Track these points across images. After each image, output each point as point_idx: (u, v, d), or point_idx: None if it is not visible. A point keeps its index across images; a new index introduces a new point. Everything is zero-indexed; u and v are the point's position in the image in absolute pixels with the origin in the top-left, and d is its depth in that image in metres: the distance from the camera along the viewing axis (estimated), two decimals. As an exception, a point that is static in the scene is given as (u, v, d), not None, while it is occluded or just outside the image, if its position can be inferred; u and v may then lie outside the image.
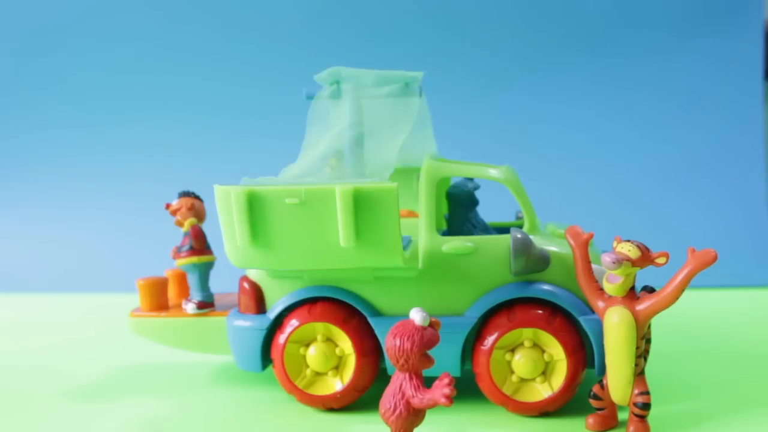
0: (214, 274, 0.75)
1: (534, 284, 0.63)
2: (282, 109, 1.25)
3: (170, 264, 0.80)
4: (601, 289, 0.59)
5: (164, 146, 1.44)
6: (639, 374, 0.58)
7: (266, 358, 0.68)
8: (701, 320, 0.98)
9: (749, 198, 1.33)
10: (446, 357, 0.63)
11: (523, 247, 0.62)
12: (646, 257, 0.56)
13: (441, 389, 0.49)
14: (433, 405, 0.50)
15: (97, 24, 1.45)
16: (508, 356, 0.63)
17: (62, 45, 1.46)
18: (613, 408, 0.61)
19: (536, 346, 0.63)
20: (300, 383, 0.66)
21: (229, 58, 1.43)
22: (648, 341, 0.61)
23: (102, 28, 1.45)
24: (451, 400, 0.49)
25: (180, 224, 0.74)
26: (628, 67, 1.40)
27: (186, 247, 0.73)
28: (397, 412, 0.51)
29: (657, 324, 0.61)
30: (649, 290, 0.59)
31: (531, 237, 0.63)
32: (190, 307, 0.72)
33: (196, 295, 0.73)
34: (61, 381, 0.78)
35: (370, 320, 0.65)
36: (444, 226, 0.75)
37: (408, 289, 0.64)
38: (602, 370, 0.61)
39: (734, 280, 1.18)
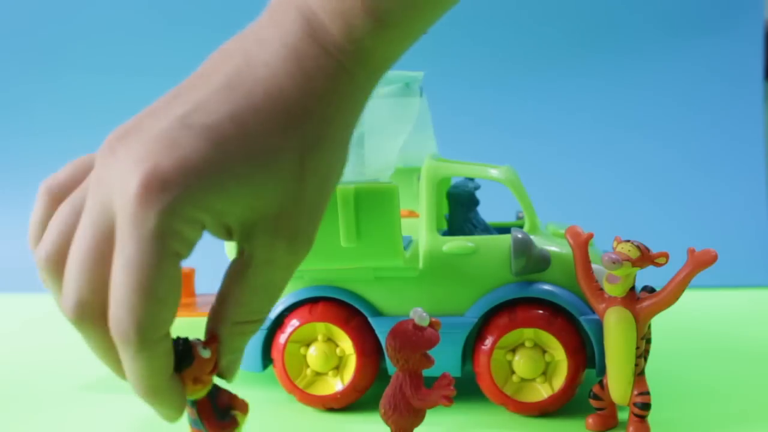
0: (214, 274, 0.75)
1: (535, 284, 0.63)
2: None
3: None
4: (601, 290, 0.59)
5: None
6: (639, 374, 0.58)
7: (266, 358, 0.68)
8: (701, 320, 0.98)
9: (749, 198, 1.33)
10: (446, 357, 0.63)
11: (524, 247, 0.62)
12: (646, 257, 0.56)
13: (441, 389, 0.49)
14: (433, 405, 0.50)
15: (96, 25, 1.45)
16: (508, 356, 0.63)
17: (60, 46, 1.46)
18: (613, 408, 0.61)
19: (537, 346, 0.63)
20: (300, 383, 0.66)
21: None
22: (648, 341, 0.61)
23: (100, 29, 1.45)
24: (451, 400, 0.49)
25: None
26: (628, 67, 1.40)
27: None
28: (397, 412, 0.51)
29: (657, 324, 0.61)
30: (649, 290, 0.59)
31: (532, 237, 0.63)
32: None
33: None
34: (61, 380, 0.78)
35: (370, 320, 0.65)
36: (444, 226, 0.75)
37: (409, 289, 0.64)
38: (602, 370, 0.61)
39: (734, 280, 1.18)
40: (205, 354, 0.43)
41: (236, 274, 0.41)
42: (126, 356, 0.38)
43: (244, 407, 0.47)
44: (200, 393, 0.44)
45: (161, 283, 0.36)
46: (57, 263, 0.40)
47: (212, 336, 0.43)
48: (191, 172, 0.36)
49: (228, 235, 0.40)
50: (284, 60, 0.39)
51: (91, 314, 0.39)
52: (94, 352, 0.41)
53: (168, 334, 0.40)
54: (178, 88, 0.41)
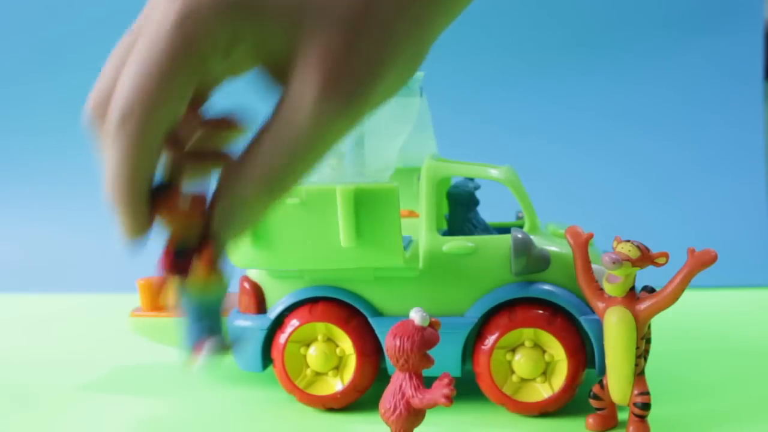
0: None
1: (534, 284, 0.63)
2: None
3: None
4: (601, 290, 0.59)
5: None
6: (639, 374, 0.58)
7: (267, 358, 0.68)
8: (701, 320, 0.98)
9: (749, 198, 1.33)
10: (446, 357, 0.63)
11: (524, 247, 0.62)
12: (646, 257, 0.56)
13: (441, 389, 0.49)
14: (433, 405, 0.50)
15: (97, 24, 1.45)
16: (508, 356, 0.63)
17: (60, 45, 1.46)
18: (613, 408, 0.61)
19: (537, 346, 0.63)
20: (300, 383, 0.66)
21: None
22: (648, 341, 0.61)
23: (101, 29, 1.45)
24: (451, 400, 0.49)
25: None
26: (628, 66, 1.40)
27: None
28: (397, 412, 0.51)
29: (657, 324, 0.61)
30: (649, 290, 0.59)
31: (531, 237, 0.63)
32: None
33: None
34: (61, 381, 0.78)
35: (370, 320, 0.65)
36: (444, 226, 0.75)
37: (408, 289, 0.64)
38: (602, 370, 0.61)
39: (734, 280, 1.18)
40: (186, 192, 0.40)
41: (263, 125, 0.38)
42: (108, 140, 0.36)
43: (207, 261, 0.42)
44: (172, 227, 0.41)
45: (168, 74, 0.35)
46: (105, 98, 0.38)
47: (216, 193, 0.40)
48: None
49: (269, 62, 0.38)
50: None
51: (102, 105, 0.37)
52: (101, 155, 0.39)
53: (160, 141, 0.37)
54: None
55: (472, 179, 0.72)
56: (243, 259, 0.63)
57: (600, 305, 0.58)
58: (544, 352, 0.63)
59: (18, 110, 1.48)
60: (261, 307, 0.67)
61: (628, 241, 0.57)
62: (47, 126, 1.47)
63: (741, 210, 1.32)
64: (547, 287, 0.63)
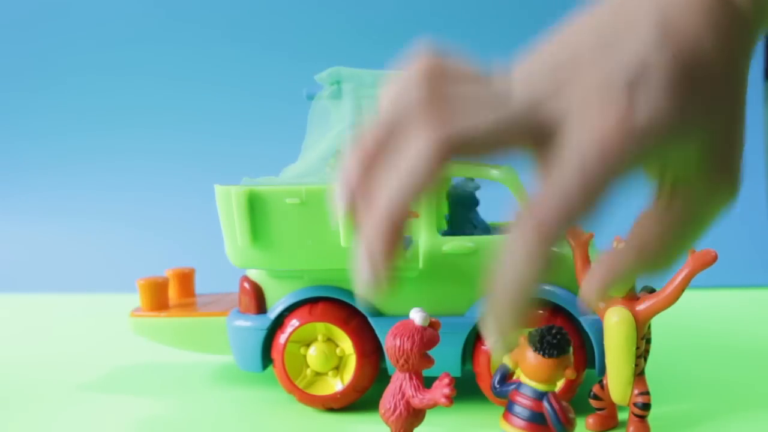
0: (214, 274, 0.75)
1: (534, 284, 0.63)
2: (282, 110, 1.25)
3: (170, 264, 0.80)
4: (602, 290, 0.58)
5: (164, 148, 1.44)
6: (639, 374, 0.58)
7: (266, 358, 0.68)
8: (701, 320, 0.98)
9: (749, 198, 1.33)
10: (446, 357, 0.63)
11: (524, 247, 0.62)
12: (646, 257, 0.56)
13: (441, 389, 0.50)
14: (433, 405, 0.50)
15: (97, 26, 1.45)
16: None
17: (60, 48, 1.46)
18: (613, 408, 0.61)
19: (536, 346, 0.63)
20: (300, 383, 0.66)
21: (229, 59, 1.43)
22: (648, 341, 0.61)
23: (102, 30, 1.45)
24: (451, 400, 0.49)
25: None
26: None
27: None
28: (397, 412, 0.51)
29: (657, 324, 0.61)
30: (649, 290, 0.59)
31: (531, 237, 0.63)
32: None
33: None
34: (61, 381, 0.78)
35: (370, 320, 0.65)
36: (444, 226, 0.75)
37: (409, 289, 0.64)
38: (602, 370, 0.61)
39: (734, 280, 1.18)
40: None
41: (658, 215, 0.44)
42: (522, 245, 0.39)
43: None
44: (554, 385, 0.50)
45: (601, 194, 0.39)
46: (438, 77, 0.39)
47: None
48: (658, 121, 0.39)
49: (661, 174, 0.43)
50: (705, 15, 0.41)
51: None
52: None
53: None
54: (586, 33, 0.43)
55: (472, 179, 0.72)
56: (243, 259, 0.63)
57: (600, 305, 0.58)
58: (544, 352, 0.63)
59: (17, 113, 1.48)
60: (261, 307, 0.67)
61: (628, 241, 0.56)
62: (47, 127, 1.47)
63: (741, 210, 1.31)
64: (547, 287, 0.63)
